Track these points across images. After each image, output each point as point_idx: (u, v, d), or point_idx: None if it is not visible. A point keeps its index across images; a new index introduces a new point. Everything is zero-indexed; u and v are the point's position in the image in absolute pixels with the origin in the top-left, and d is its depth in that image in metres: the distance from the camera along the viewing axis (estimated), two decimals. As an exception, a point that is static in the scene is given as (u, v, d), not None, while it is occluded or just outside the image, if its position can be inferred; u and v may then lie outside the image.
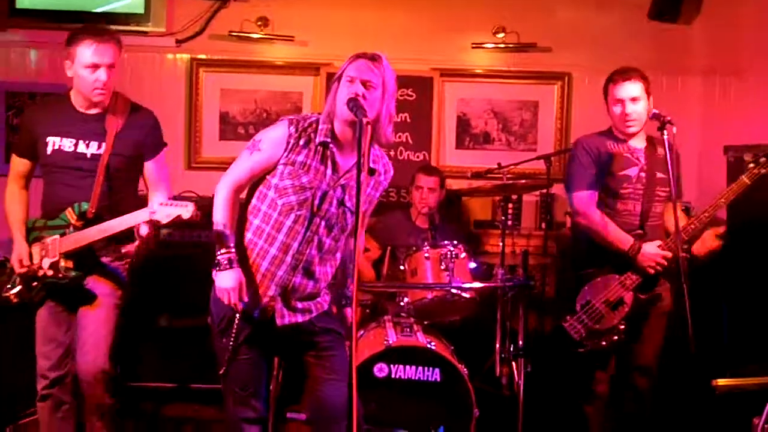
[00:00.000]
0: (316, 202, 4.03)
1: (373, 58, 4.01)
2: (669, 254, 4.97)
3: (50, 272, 4.64)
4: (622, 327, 5.06)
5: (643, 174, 5.10)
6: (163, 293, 6.39)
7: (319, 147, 4.05)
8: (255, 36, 7.48)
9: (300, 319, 4.18)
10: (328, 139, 4.04)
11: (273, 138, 4.10)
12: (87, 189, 4.65)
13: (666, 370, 5.46)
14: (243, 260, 4.12)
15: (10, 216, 4.83)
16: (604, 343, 5.08)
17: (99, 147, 4.69)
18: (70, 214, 4.64)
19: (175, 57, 7.59)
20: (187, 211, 4.38)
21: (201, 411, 6.25)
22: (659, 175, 5.10)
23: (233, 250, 4.08)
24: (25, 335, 5.05)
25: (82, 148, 4.69)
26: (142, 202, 4.70)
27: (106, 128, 4.70)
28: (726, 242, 5.21)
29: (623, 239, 5.04)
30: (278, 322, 4.13)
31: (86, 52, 4.58)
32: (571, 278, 5.28)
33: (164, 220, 4.39)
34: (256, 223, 4.13)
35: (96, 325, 4.69)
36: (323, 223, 4.07)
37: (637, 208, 5.10)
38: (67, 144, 4.69)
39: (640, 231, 5.06)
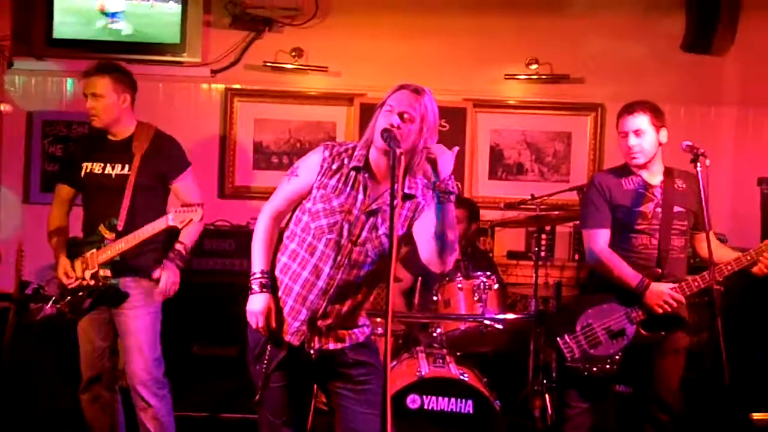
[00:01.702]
0: (346, 226, 3.99)
1: (417, 90, 3.98)
2: (681, 298, 4.92)
3: (92, 281, 5.11)
4: (617, 358, 5.01)
5: (659, 210, 5.07)
6: (196, 321, 6.43)
7: (351, 171, 4.04)
8: (289, 66, 7.53)
9: (332, 346, 4.12)
10: (361, 164, 4.02)
11: (309, 163, 4.11)
12: (115, 206, 5.11)
13: (701, 403, 5.43)
14: (277, 285, 4.13)
15: (52, 239, 5.35)
16: (595, 369, 5.04)
17: (123, 168, 5.18)
18: (103, 230, 5.10)
19: (210, 87, 7.65)
20: (196, 214, 4.99)
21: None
22: (676, 208, 5.06)
23: (265, 275, 4.09)
24: (64, 351, 5.60)
25: (108, 169, 5.21)
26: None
27: (134, 152, 5.20)
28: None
29: (631, 276, 4.99)
30: (307, 347, 4.09)
31: (82, 84, 5.29)
32: (578, 297, 5.26)
33: (179, 225, 4.99)
34: (292, 246, 4.11)
35: (138, 333, 5.17)
36: (355, 248, 4.01)
37: (654, 243, 5.07)
38: (97, 167, 5.24)
39: (657, 270, 5.03)
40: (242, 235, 6.84)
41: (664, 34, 7.59)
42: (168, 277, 5.17)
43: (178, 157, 5.34)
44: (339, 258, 4.01)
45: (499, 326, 5.82)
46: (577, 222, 6.90)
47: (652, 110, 5.04)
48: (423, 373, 5.38)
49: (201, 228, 5.36)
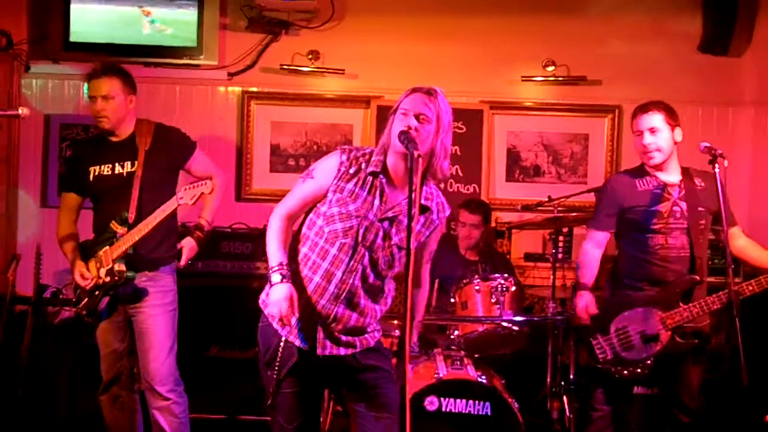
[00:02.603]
0: (361, 231, 3.98)
1: (429, 92, 3.98)
2: (585, 319, 5.25)
3: (107, 278, 5.12)
4: (649, 363, 5.02)
5: (676, 208, 5.07)
6: (212, 324, 6.43)
7: (368, 177, 4.03)
8: (306, 69, 7.53)
9: (342, 352, 4.10)
10: (378, 169, 4.02)
11: (325, 166, 4.11)
12: (125, 202, 5.14)
13: (721, 405, 5.41)
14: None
15: (64, 246, 5.36)
16: (626, 372, 5.05)
17: (132, 165, 5.23)
18: (115, 225, 5.12)
19: (226, 90, 7.66)
20: (206, 187, 4.94)
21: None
22: (699, 208, 5.07)
23: (285, 266, 3.99)
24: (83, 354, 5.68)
25: (118, 169, 5.25)
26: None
27: (137, 147, 5.25)
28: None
29: (583, 275, 5.41)
30: (318, 352, 4.06)
31: (86, 87, 5.30)
32: (609, 299, 5.26)
33: (190, 202, 4.94)
34: (304, 251, 4.10)
35: (156, 332, 5.20)
36: (368, 254, 4.00)
37: (670, 242, 5.07)
38: (106, 169, 5.27)
39: (695, 277, 5.02)
40: (259, 238, 6.79)
41: (681, 35, 7.58)
42: (191, 249, 5.32)
43: (181, 142, 5.43)
44: (352, 263, 3.99)
45: (516, 328, 5.82)
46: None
47: (666, 109, 5.06)
48: (441, 375, 5.39)
49: (218, 201, 5.45)
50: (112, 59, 7.15)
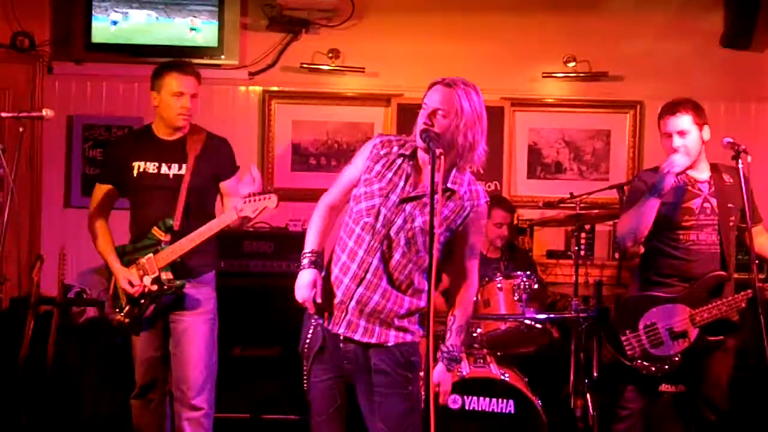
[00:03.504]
0: (383, 210, 3.96)
1: (448, 84, 3.91)
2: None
3: (155, 287, 4.98)
4: (677, 360, 5.00)
5: (707, 205, 5.05)
6: (236, 323, 6.44)
7: (398, 159, 4.02)
8: (326, 68, 7.54)
9: (358, 336, 4.01)
10: (407, 153, 4.01)
11: (362, 151, 4.16)
12: (170, 207, 5.00)
13: (743, 402, 5.39)
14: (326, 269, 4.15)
15: (102, 247, 5.20)
16: (653, 369, 5.03)
17: (179, 168, 5.09)
18: (158, 232, 5.00)
19: (247, 89, 7.68)
20: (271, 201, 4.79)
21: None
22: (729, 204, 5.05)
23: (315, 254, 4.11)
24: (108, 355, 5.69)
25: (164, 169, 5.10)
26: None
27: (187, 152, 5.11)
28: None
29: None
30: (335, 330, 4.02)
31: (173, 82, 5.07)
32: (636, 295, 5.24)
33: (252, 215, 4.81)
34: (340, 234, 4.13)
35: (198, 341, 5.11)
36: (391, 234, 3.96)
37: (702, 239, 5.06)
38: (151, 167, 5.11)
39: (723, 273, 5.01)
40: (281, 237, 6.87)
41: (703, 30, 7.56)
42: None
43: (230, 157, 5.30)
44: (373, 242, 3.97)
45: (539, 326, 5.82)
46: (617, 220, 6.90)
47: (693, 109, 5.01)
48: (464, 374, 5.39)
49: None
50: (133, 60, 7.26)
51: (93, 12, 7.30)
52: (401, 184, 3.99)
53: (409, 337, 4.09)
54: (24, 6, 7.31)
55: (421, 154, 4.01)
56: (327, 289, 4.07)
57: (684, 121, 4.99)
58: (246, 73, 7.59)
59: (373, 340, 4.03)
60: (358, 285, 4.00)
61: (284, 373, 6.41)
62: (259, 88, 7.67)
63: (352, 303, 4.01)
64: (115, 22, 7.31)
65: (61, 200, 7.60)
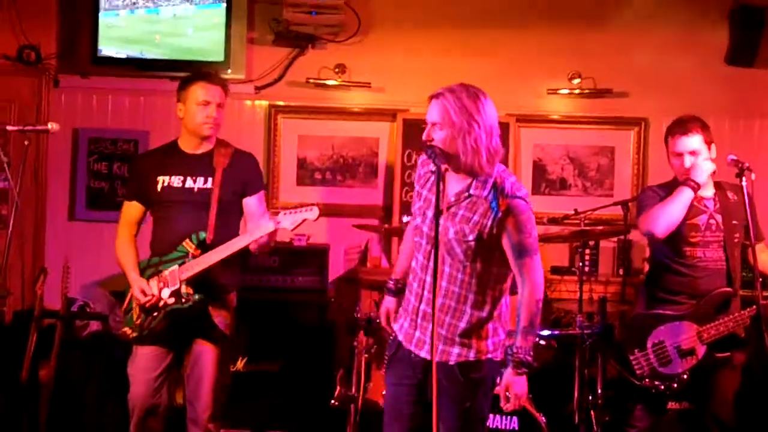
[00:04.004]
0: (425, 228, 4.02)
1: (437, 95, 3.94)
2: None
3: (171, 300, 4.89)
4: (685, 377, 4.99)
5: (712, 221, 5.07)
6: (240, 337, 6.43)
7: (430, 175, 4.06)
8: (332, 83, 7.56)
9: (424, 354, 4.04)
10: (434, 168, 3.95)
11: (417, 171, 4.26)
12: (197, 221, 4.95)
13: (747, 418, 5.38)
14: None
15: (123, 259, 5.11)
16: (662, 387, 5.02)
17: (205, 182, 5.03)
18: (188, 245, 4.91)
19: (253, 103, 7.69)
20: (312, 213, 4.79)
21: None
22: (734, 221, 5.06)
23: (395, 282, 4.44)
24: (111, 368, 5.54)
25: (189, 183, 5.04)
26: None
27: (215, 166, 5.05)
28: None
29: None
30: (406, 345, 4.14)
31: (199, 91, 5.04)
32: (644, 313, 5.23)
33: (290, 227, 4.83)
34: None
35: (213, 365, 5.02)
36: (432, 249, 3.89)
37: (708, 255, 5.06)
38: (176, 181, 5.05)
39: (729, 290, 5.01)
40: (286, 252, 6.88)
41: (708, 47, 7.56)
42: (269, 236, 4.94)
43: (258, 173, 5.28)
44: (422, 259, 4.07)
45: (543, 342, 5.80)
46: (622, 237, 6.91)
47: (702, 127, 5.03)
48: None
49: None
50: (140, 74, 7.28)
51: (100, 20, 7.32)
52: (433, 199, 3.98)
53: (472, 355, 4.04)
54: (31, 19, 7.33)
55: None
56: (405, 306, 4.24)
57: (695, 140, 5.00)
58: (252, 87, 7.61)
59: (436, 359, 3.95)
60: (420, 302, 4.07)
61: (287, 389, 6.41)
62: (265, 103, 7.68)
63: (418, 320, 4.08)
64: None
65: (65, 213, 7.60)
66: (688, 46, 7.58)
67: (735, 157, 4.86)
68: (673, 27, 7.57)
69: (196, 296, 4.87)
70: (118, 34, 7.34)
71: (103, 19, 7.30)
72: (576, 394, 5.96)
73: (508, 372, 4.00)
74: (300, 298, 6.85)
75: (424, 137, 3.94)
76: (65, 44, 7.53)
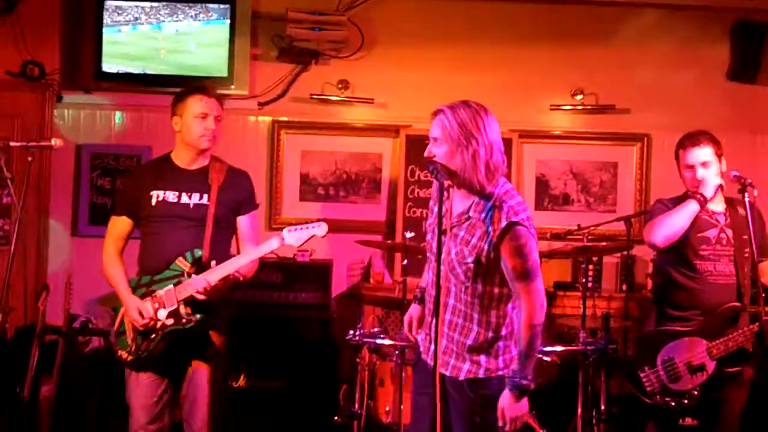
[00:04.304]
0: (433, 244, 4.01)
1: (435, 112, 3.97)
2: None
3: (170, 321, 4.76)
4: (695, 393, 4.97)
5: (723, 235, 5.06)
6: (241, 354, 6.42)
7: (443, 193, 3.99)
8: (335, 98, 7.57)
9: (441, 369, 3.99)
10: (445, 185, 3.91)
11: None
12: (191, 238, 4.84)
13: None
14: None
15: (114, 277, 4.96)
16: (673, 403, 5.00)
17: (201, 198, 4.92)
18: (183, 263, 4.78)
19: (257, 119, 7.70)
20: (320, 229, 4.71)
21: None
22: (743, 236, 5.05)
23: (419, 288, 4.42)
24: (113, 385, 5.39)
25: (185, 199, 4.92)
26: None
27: (210, 182, 4.95)
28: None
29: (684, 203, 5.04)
30: (423, 356, 4.19)
31: (197, 104, 4.93)
32: (654, 330, 5.22)
33: (297, 244, 4.74)
34: None
35: (209, 386, 4.90)
36: (442, 267, 3.86)
37: (719, 269, 5.05)
38: (171, 196, 4.93)
39: (737, 304, 5.00)
40: (289, 268, 6.88)
41: (710, 63, 7.59)
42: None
43: (252, 192, 5.16)
44: (431, 275, 4.08)
45: (547, 358, 5.79)
46: (625, 252, 6.91)
47: (713, 141, 5.06)
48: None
49: (256, 265, 5.03)
50: (143, 89, 7.29)
51: (103, 36, 7.35)
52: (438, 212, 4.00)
53: (481, 372, 4.01)
54: (34, 35, 7.34)
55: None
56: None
57: (707, 152, 5.01)
58: (255, 103, 7.61)
59: (447, 373, 4.03)
60: (432, 318, 4.04)
61: (290, 405, 6.40)
62: (268, 118, 7.69)
63: (431, 333, 4.05)
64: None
65: (68, 229, 7.60)
66: (690, 62, 7.61)
67: (737, 173, 4.86)
68: (675, 43, 7.60)
69: (197, 316, 4.74)
70: (121, 50, 7.37)
71: (107, 35, 7.33)
72: (579, 410, 5.94)
73: (506, 395, 3.96)
74: (303, 314, 6.84)
75: (425, 153, 3.96)
76: (69, 60, 7.53)
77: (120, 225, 5.06)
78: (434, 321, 3.80)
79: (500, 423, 3.97)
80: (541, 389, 6.14)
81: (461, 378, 4.01)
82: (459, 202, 4.01)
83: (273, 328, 6.64)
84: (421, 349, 4.22)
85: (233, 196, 5.02)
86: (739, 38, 7.47)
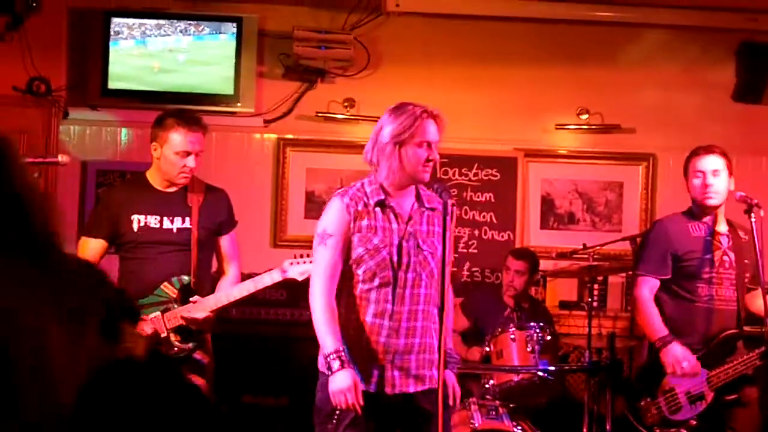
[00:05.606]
0: (395, 258, 4.00)
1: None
2: (695, 366, 4.90)
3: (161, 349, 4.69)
4: (694, 423, 4.95)
5: (726, 258, 5.03)
6: (246, 371, 6.42)
7: (376, 208, 4.07)
8: (341, 116, 7.58)
9: (411, 388, 4.03)
10: (381, 197, 4.07)
11: (335, 218, 4.10)
12: (176, 264, 4.77)
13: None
14: (346, 341, 4.01)
15: None
16: None
17: (183, 222, 4.84)
18: (169, 288, 4.71)
19: (262, 137, 7.70)
20: None
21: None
22: (745, 260, 5.03)
23: (342, 352, 3.94)
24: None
25: (167, 224, 4.83)
26: (215, 277, 4.99)
27: (189, 204, 4.86)
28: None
29: (657, 329, 5.00)
30: (388, 390, 4.01)
31: (178, 139, 4.77)
32: (655, 360, 5.20)
33: (300, 278, 4.70)
34: (346, 298, 4.09)
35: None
36: (409, 275, 3.99)
37: (720, 293, 5.02)
38: (153, 221, 4.82)
39: (737, 331, 4.97)
40: (294, 285, 6.84)
41: (715, 83, 7.59)
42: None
43: (231, 211, 5.09)
44: (398, 290, 4.00)
45: (552, 378, 5.79)
46: (630, 272, 6.89)
47: (726, 155, 5.05)
48: (476, 425, 5.36)
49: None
50: (149, 106, 7.28)
51: (110, 53, 7.35)
52: (394, 226, 4.05)
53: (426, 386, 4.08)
54: (41, 51, 7.34)
55: (390, 181, 4.11)
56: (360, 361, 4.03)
57: (719, 161, 5.00)
58: (261, 120, 7.61)
59: (426, 386, 4.08)
60: (398, 338, 4.01)
61: (293, 424, 6.38)
62: (274, 136, 7.69)
63: (398, 357, 4.02)
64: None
65: (73, 245, 7.58)
66: (696, 83, 7.61)
67: (743, 194, 4.85)
68: (680, 64, 7.61)
69: (189, 345, 4.71)
70: (127, 67, 7.37)
71: (113, 51, 7.34)
72: (584, 430, 5.93)
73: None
74: (308, 332, 6.81)
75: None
76: (75, 76, 7.55)
77: (93, 247, 4.89)
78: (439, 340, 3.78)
79: None
80: (547, 408, 6.19)
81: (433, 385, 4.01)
82: (400, 204, 4.11)
83: (277, 346, 6.63)
84: (363, 385, 3.99)
85: (213, 217, 4.94)
86: (744, 59, 7.48)
